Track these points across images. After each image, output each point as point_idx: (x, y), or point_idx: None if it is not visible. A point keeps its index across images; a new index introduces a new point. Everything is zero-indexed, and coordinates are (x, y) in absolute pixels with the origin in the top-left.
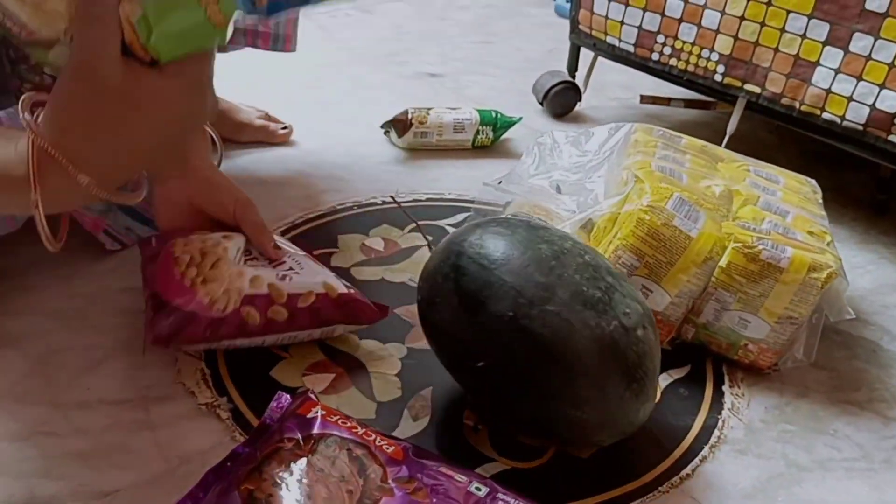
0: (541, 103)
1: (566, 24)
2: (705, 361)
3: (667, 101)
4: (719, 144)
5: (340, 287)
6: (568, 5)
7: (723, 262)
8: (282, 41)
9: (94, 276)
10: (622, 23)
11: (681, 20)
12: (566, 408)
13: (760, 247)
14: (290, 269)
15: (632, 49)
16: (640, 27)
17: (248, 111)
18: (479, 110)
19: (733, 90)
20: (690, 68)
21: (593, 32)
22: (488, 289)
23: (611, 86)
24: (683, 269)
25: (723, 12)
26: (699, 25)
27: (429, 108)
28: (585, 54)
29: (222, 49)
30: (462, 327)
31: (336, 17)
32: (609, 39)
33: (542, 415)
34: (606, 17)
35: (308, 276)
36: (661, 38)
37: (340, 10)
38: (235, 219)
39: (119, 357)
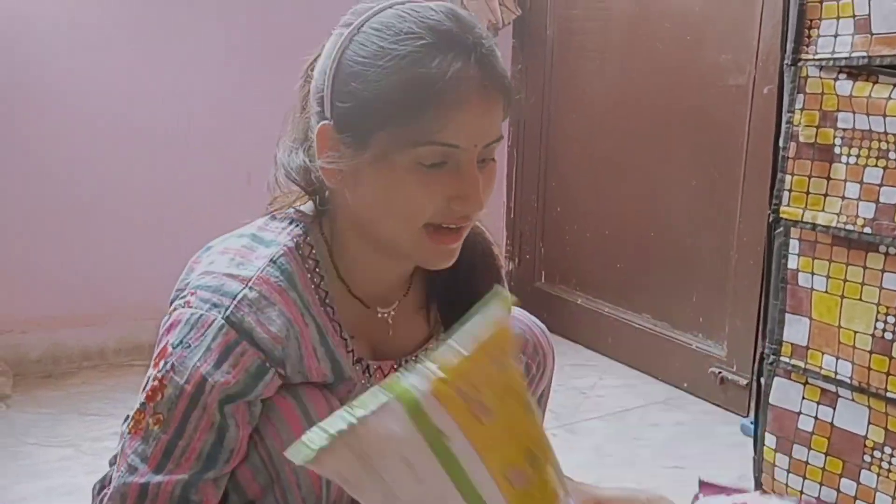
0: None
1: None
2: None
3: None
4: None
5: None
6: (752, 426)
7: None
8: None
9: None
10: (801, 492)
11: (855, 498)
12: None
13: None
14: None
15: None
16: (818, 498)
17: None
18: None
19: None
20: None
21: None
22: None
23: None
24: None
25: (893, 497)
26: None
27: None
28: None
29: None
30: None
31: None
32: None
33: None
34: (787, 485)
35: None
36: None
37: (548, 429)
38: None
39: None
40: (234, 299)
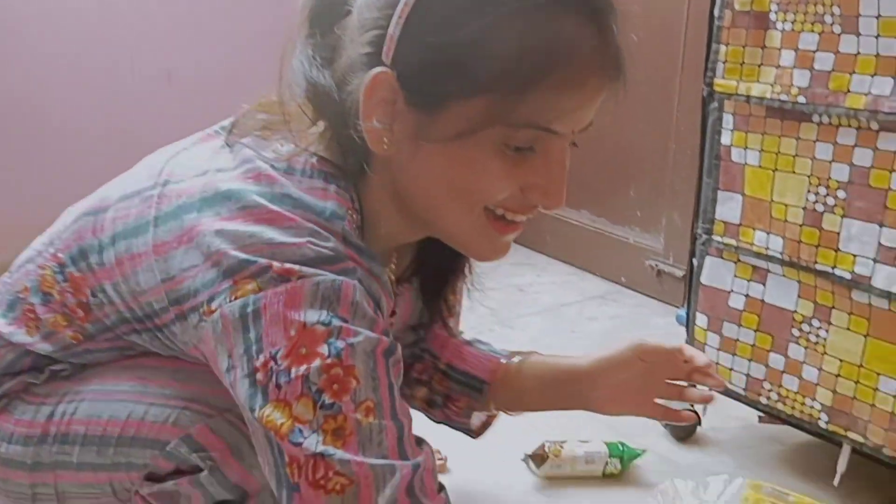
0: (665, 426)
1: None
2: None
3: (786, 423)
4: (834, 472)
5: None
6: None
7: None
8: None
9: None
10: (731, 369)
11: (783, 372)
12: None
13: None
14: None
15: (742, 392)
16: (747, 374)
17: None
18: (607, 443)
19: (838, 437)
20: (796, 414)
21: None
22: None
23: (730, 404)
24: None
25: (820, 369)
26: (800, 378)
27: (563, 442)
28: None
29: None
30: None
31: (482, 332)
32: None
33: None
34: (717, 363)
35: None
36: (767, 385)
37: (485, 325)
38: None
39: None
40: (348, 266)
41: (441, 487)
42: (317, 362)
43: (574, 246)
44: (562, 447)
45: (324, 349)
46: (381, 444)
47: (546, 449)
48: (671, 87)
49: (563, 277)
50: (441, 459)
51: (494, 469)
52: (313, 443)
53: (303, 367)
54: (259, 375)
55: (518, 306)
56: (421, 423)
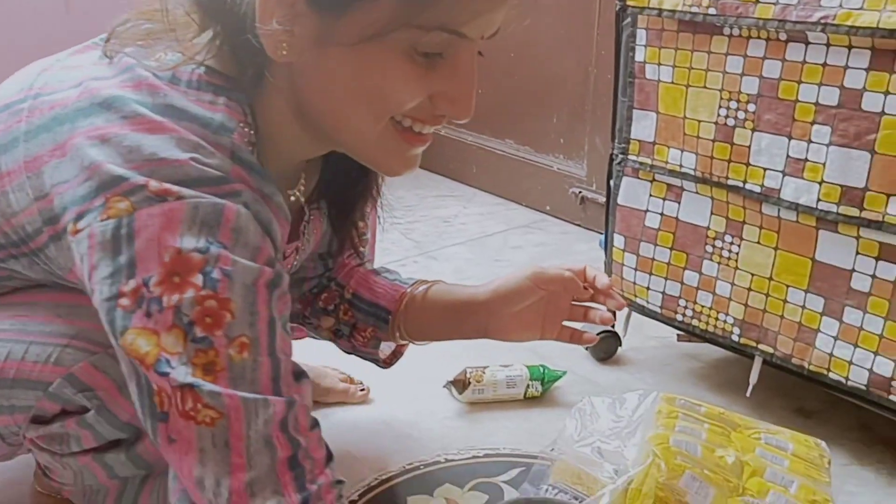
0: (586, 348)
1: None
2: None
3: (702, 339)
4: (748, 384)
5: None
6: None
7: None
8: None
9: None
10: (648, 288)
11: (697, 288)
12: None
13: None
14: None
15: (658, 310)
16: (663, 292)
17: (332, 375)
18: (528, 367)
19: (749, 349)
20: (710, 329)
21: (625, 294)
22: None
23: (650, 325)
24: None
25: (732, 284)
26: (714, 293)
27: (484, 367)
28: None
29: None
30: None
31: (405, 264)
32: (639, 301)
33: None
34: (634, 283)
35: None
36: (682, 302)
37: (409, 257)
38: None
39: None
40: (234, 188)
41: (315, 424)
42: (190, 293)
43: (499, 176)
44: (483, 372)
45: (198, 279)
46: (254, 381)
47: (467, 374)
48: (590, 10)
49: (489, 208)
50: (363, 389)
51: (416, 397)
52: (181, 374)
53: (175, 297)
54: (124, 301)
55: (443, 237)
56: (338, 354)
